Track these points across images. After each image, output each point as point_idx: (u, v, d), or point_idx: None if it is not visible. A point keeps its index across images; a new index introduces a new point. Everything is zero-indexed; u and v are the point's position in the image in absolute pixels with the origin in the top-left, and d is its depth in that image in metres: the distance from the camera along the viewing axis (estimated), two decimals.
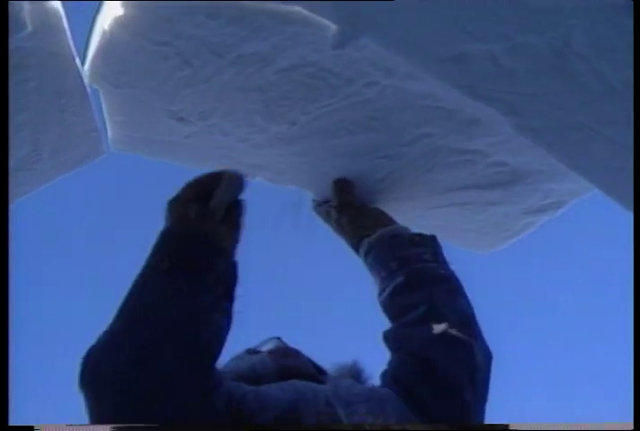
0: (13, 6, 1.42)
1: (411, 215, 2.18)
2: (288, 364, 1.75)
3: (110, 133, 1.94)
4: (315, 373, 1.77)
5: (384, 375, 1.63)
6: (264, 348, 1.87)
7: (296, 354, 1.85)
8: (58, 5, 1.53)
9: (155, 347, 1.38)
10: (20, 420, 1.53)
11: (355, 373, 1.80)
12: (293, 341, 1.93)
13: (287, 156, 2.02)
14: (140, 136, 1.98)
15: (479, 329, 1.70)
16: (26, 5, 1.45)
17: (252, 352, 1.87)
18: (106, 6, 1.58)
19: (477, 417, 1.57)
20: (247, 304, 1.60)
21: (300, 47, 1.61)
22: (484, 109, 1.64)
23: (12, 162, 1.85)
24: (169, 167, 2.14)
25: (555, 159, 1.69)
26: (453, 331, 1.62)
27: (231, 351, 1.90)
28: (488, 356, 1.66)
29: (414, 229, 1.94)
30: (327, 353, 2.02)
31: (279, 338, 1.94)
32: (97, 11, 1.60)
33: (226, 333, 1.51)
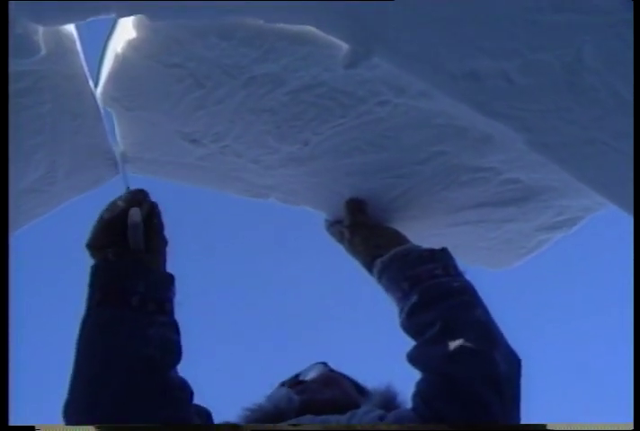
0: (26, 29, 1.43)
1: (425, 234, 2.17)
2: (318, 397, 1.80)
3: (123, 154, 1.95)
4: (352, 400, 1.80)
5: (413, 397, 1.63)
6: (308, 376, 1.89)
7: (338, 382, 1.87)
8: (72, 28, 1.55)
9: (105, 377, 1.48)
10: (20, 420, 1.54)
11: (389, 398, 1.80)
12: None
13: (299, 176, 2.02)
14: (153, 158, 1.98)
15: (501, 337, 1.68)
16: (40, 29, 1.46)
17: (284, 384, 1.96)
18: (118, 29, 1.59)
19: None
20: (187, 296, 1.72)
21: (312, 67, 1.62)
22: (497, 126, 1.64)
23: (26, 184, 1.87)
24: (182, 189, 2.15)
25: (569, 174, 1.69)
26: (469, 344, 1.61)
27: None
28: (514, 363, 1.65)
29: None
30: (364, 378, 2.02)
31: (324, 364, 1.97)
32: (110, 33, 1.61)
33: (172, 342, 1.60)
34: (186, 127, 1.83)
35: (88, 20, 1.44)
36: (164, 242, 1.76)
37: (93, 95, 1.71)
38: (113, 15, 1.43)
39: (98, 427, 1.43)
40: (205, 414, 1.64)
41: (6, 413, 1.35)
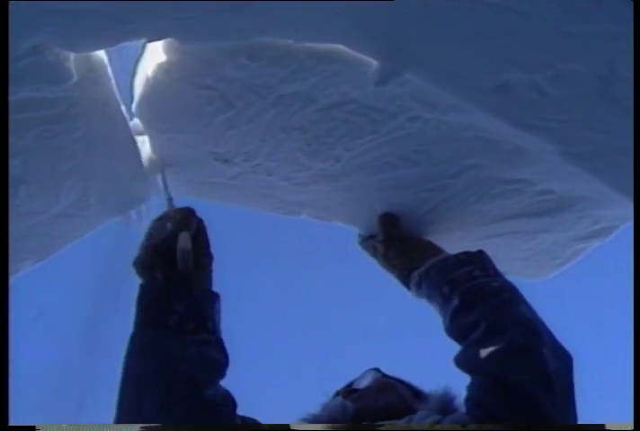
0: (58, 57, 1.45)
1: (458, 247, 2.15)
2: (372, 404, 1.78)
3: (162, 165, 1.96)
4: (408, 405, 1.78)
5: (466, 401, 1.61)
6: (362, 384, 1.88)
7: (392, 387, 1.85)
8: (102, 54, 1.56)
9: (147, 395, 1.50)
10: (20, 420, 1.55)
11: (446, 402, 1.78)
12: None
13: (331, 192, 2.02)
14: (186, 179, 1.99)
15: (548, 333, 1.65)
16: (72, 56, 1.47)
17: (338, 393, 1.93)
18: (148, 52, 1.60)
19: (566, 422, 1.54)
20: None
21: (341, 84, 1.62)
22: (529, 138, 1.63)
23: (60, 209, 1.88)
24: (214, 207, 2.15)
25: (603, 184, 1.68)
26: (516, 342, 1.59)
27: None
28: (565, 359, 1.62)
29: None
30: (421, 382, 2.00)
31: (377, 370, 1.97)
32: (139, 56, 1.63)
33: (212, 359, 1.59)
34: (218, 147, 1.83)
35: (119, 45, 1.46)
36: (210, 259, 1.75)
37: (124, 119, 1.73)
38: (144, 40, 1.45)
39: (143, 427, 1.44)
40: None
41: (6, 413, 1.35)
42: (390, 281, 2.04)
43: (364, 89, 1.62)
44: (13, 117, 1.53)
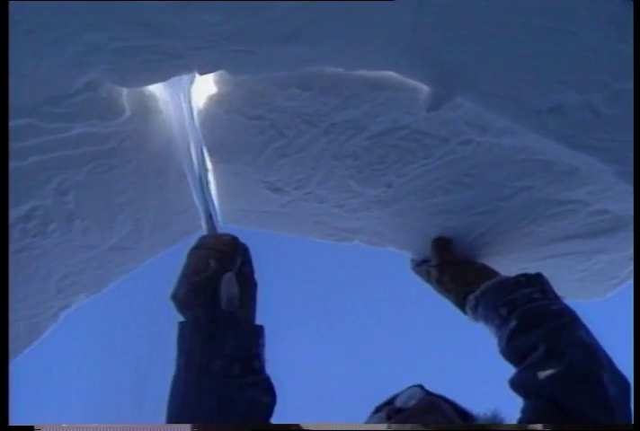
0: (111, 93, 1.46)
1: (512, 270, 2.13)
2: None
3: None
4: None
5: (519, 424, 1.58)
6: (408, 402, 1.83)
7: (439, 407, 1.80)
8: (154, 88, 1.57)
9: None
10: (20, 420, 1.55)
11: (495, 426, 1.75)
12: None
13: (383, 218, 2.00)
14: (236, 208, 1.99)
15: (608, 358, 1.62)
16: (124, 91, 1.49)
17: (379, 409, 1.86)
18: (198, 83, 1.61)
19: None
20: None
21: (392, 111, 1.61)
22: (584, 159, 1.62)
23: (113, 242, 1.89)
24: (266, 236, 2.15)
25: None
26: (575, 366, 1.56)
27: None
28: (623, 386, 1.58)
29: None
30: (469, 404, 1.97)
31: (420, 387, 1.89)
32: (189, 88, 1.63)
33: (260, 404, 1.53)
34: (269, 176, 1.83)
35: (170, 79, 1.47)
36: (255, 288, 1.65)
37: (176, 152, 1.74)
38: (195, 73, 1.46)
39: (195, 426, 1.43)
40: None
41: (6, 413, 1.35)
42: (443, 305, 2.03)
43: (415, 114, 1.61)
44: (67, 153, 1.55)
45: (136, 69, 1.37)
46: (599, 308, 2.37)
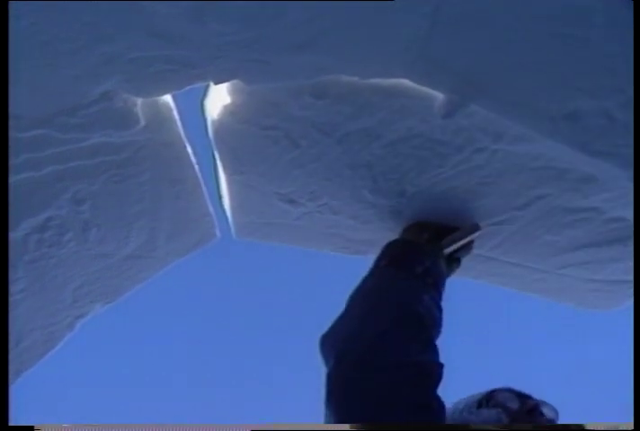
0: (126, 103, 1.47)
1: (528, 280, 2.13)
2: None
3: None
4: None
5: None
6: (508, 402, 1.82)
7: (539, 410, 1.80)
8: (168, 97, 1.58)
9: (372, 320, 1.59)
10: (20, 420, 1.55)
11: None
12: None
13: (397, 229, 1.99)
14: (250, 221, 1.99)
15: None
16: (139, 101, 1.49)
17: (483, 404, 1.89)
18: (212, 93, 1.61)
19: None
20: None
21: (407, 119, 1.61)
22: (600, 165, 1.60)
23: (129, 251, 1.90)
24: (279, 248, 2.16)
25: None
26: None
27: None
28: None
29: (532, 294, 1.88)
30: None
31: (510, 390, 1.91)
32: (203, 97, 1.64)
33: (435, 316, 1.67)
34: (283, 187, 1.83)
35: (185, 89, 1.47)
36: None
37: (190, 160, 1.74)
38: (209, 83, 1.46)
39: (353, 426, 1.41)
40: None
41: (6, 413, 1.36)
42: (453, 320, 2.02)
43: (430, 122, 1.61)
44: (83, 163, 1.56)
45: (151, 79, 1.38)
46: (615, 318, 2.36)
